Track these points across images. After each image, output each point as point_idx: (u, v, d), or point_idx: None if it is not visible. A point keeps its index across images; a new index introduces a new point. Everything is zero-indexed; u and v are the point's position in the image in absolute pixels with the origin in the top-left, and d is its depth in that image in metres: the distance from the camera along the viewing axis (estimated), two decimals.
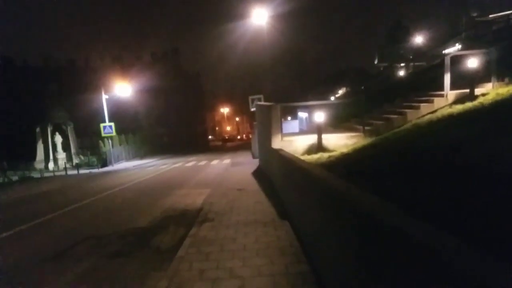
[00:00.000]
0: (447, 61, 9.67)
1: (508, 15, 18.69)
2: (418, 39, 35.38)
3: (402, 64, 38.34)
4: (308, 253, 3.97)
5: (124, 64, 47.60)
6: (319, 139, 9.84)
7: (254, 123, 19.96)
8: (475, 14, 21.75)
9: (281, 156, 7.47)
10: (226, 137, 73.22)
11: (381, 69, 44.89)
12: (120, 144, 34.55)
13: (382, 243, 1.81)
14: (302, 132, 15.35)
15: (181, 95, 52.29)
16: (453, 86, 10.23)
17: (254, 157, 20.68)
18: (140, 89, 42.08)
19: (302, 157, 9.45)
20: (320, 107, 10.56)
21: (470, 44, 16.27)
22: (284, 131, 10.82)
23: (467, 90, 9.84)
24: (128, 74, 39.50)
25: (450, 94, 9.75)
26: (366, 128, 10.22)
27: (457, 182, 3.65)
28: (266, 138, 11.40)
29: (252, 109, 19.15)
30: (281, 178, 7.49)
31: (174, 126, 50.79)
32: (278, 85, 52.98)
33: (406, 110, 10.05)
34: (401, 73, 36.80)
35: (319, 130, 9.81)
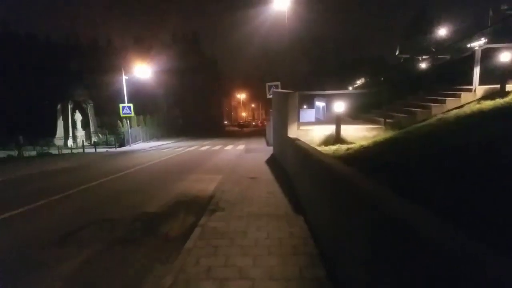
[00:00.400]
0: (478, 54, 9.02)
1: None
2: (442, 31, 33.86)
3: (425, 57, 36.92)
4: (324, 255, 3.69)
5: (145, 45, 47.55)
6: (338, 130, 9.43)
7: (270, 110, 19.57)
8: (505, 7, 20.45)
9: (297, 146, 7.15)
10: (241, 123, 73.07)
11: (402, 60, 43.35)
12: (138, 125, 34.86)
13: (424, 259, 1.50)
14: (318, 122, 14.91)
15: (199, 79, 52.14)
16: (482, 81, 9.59)
17: (268, 144, 20.39)
18: (159, 71, 42.09)
19: (319, 148, 9.10)
20: (339, 96, 10.11)
21: (499, 38, 15.33)
22: (300, 120, 10.45)
23: (497, 86, 9.19)
24: (147, 55, 39.44)
25: (479, 89, 9.13)
26: (388, 120, 9.74)
27: (499, 183, 3.27)
28: (282, 127, 11.06)
29: (269, 96, 18.76)
30: (296, 169, 7.19)
31: (190, 109, 50.87)
32: (296, 72, 51.99)
33: (431, 104, 9.49)
34: (423, 65, 35.50)
35: (338, 120, 9.39)
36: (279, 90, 12.03)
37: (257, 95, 75.32)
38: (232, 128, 67.83)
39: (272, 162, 12.54)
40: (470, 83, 9.53)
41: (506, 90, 9.06)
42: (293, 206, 6.12)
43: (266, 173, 10.06)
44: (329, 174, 3.49)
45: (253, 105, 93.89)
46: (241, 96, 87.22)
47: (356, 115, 12.54)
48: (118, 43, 47.86)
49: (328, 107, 17.14)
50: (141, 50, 44.72)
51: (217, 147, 22.54)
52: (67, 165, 16.19)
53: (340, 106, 9.33)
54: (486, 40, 24.37)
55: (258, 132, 41.16)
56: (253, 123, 74.52)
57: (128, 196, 8.08)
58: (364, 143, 8.80)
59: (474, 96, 9.19)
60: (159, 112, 44.33)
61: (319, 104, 18.59)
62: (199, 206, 6.69)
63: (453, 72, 11.96)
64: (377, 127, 9.81)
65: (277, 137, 13.20)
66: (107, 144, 30.46)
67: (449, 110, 9.34)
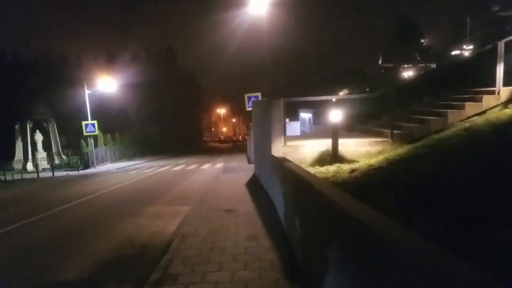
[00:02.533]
0: (501, 48, 7.31)
1: None
2: (428, 39, 33.20)
3: (410, 65, 36.12)
4: None
5: (113, 59, 44.89)
6: (335, 145, 7.42)
7: (250, 124, 17.54)
8: (496, 8, 19.49)
9: (286, 170, 5.07)
10: (222, 138, 71.10)
11: (382, 71, 42.37)
12: (105, 144, 31.98)
13: None
14: (305, 135, 12.92)
15: (176, 94, 49.80)
16: (505, 81, 7.88)
17: (249, 161, 18.25)
18: (131, 86, 39.60)
19: (312, 170, 7.05)
20: (333, 104, 8.17)
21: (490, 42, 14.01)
22: (286, 133, 8.38)
23: None
24: (116, 69, 36.84)
25: (504, 91, 7.38)
26: (395, 132, 7.82)
27: None
28: (264, 143, 8.99)
29: (249, 108, 16.73)
30: (287, 201, 5.08)
31: (167, 125, 48.26)
32: (276, 84, 50.45)
33: (446, 111, 7.66)
34: (409, 73, 34.60)
35: (334, 133, 7.39)
36: (260, 99, 10.01)
37: (238, 109, 73.50)
38: (212, 144, 65.48)
39: (253, 184, 10.40)
40: (490, 84, 7.79)
41: None
42: (286, 265, 3.97)
43: (245, 202, 7.89)
44: (350, 228, 1.41)
45: (234, 120, 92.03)
46: (221, 111, 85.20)
47: (353, 126, 10.61)
48: (83, 56, 44.74)
49: (315, 119, 15.22)
50: (108, 63, 42.01)
51: (192, 167, 20.19)
52: (4, 195, 13.45)
53: (336, 115, 7.35)
54: (472, 46, 23.45)
55: (239, 148, 38.95)
56: (234, 138, 72.59)
57: (49, 249, 5.69)
58: (371, 161, 6.81)
59: (498, 99, 7.44)
60: (132, 129, 41.52)
61: (305, 115, 16.68)
62: (143, 269, 4.42)
63: (467, 71, 10.19)
64: (383, 140, 7.87)
65: (259, 155, 11.09)
66: (69, 166, 27.48)
67: (469, 117, 7.51)
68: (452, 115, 7.62)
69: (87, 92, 24.79)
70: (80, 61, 41.02)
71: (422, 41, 34.26)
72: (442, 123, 7.66)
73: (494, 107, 7.46)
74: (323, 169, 6.98)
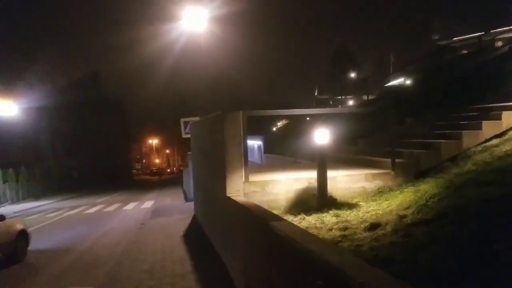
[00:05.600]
0: None
1: (479, 36, 16.68)
2: (363, 70, 34.02)
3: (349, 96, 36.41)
4: None
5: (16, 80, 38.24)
6: (322, 181, 4.94)
7: (188, 153, 14.53)
8: (436, 37, 19.82)
9: (276, 238, 2.39)
10: (154, 170, 65.57)
11: (314, 103, 42.11)
12: (4, 182, 25.84)
13: None
14: (260, 167, 10.36)
15: (100, 123, 44.47)
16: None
17: (187, 199, 14.97)
18: (45, 112, 34.01)
19: (296, 221, 4.45)
20: (319, 120, 5.81)
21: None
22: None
23: None
24: (19, 92, 31.04)
25: None
26: (397, 160, 5.63)
27: None
28: (212, 177, 6.23)
29: (185, 135, 13.70)
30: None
31: (88, 158, 42.33)
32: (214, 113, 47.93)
33: (460, 132, 5.76)
34: (350, 103, 34.80)
35: (321, 163, 4.93)
36: (206, 116, 7.22)
37: (172, 138, 69.10)
38: (143, 177, 59.61)
39: (195, 237, 7.44)
40: (506, 97, 6.13)
41: None
42: None
43: (183, 274, 4.92)
44: None
45: (167, 151, 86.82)
46: (154, 141, 79.61)
47: (340, 149, 8.03)
48: None
49: (266, 147, 12.83)
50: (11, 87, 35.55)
51: (112, 207, 16.17)
52: None
53: (323, 136, 4.95)
54: (403, 79, 23.64)
55: (173, 181, 34.87)
56: (168, 170, 67.51)
57: None
58: (384, 205, 4.45)
59: None
60: (44, 163, 35.17)
61: (253, 143, 14.24)
62: None
63: (477, 81, 8.43)
64: (382, 172, 5.62)
65: (203, 194, 8.17)
66: None
67: (487, 140, 5.67)
68: (468, 137, 5.72)
69: None
70: None
71: (354, 74, 34.88)
72: (456, 147, 5.71)
73: None
74: (313, 219, 4.41)
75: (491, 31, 14.19)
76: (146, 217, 11.28)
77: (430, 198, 3.98)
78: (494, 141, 5.58)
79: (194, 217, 9.70)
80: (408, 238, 3.16)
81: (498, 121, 5.80)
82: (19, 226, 7.29)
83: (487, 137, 5.73)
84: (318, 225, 4.14)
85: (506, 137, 5.52)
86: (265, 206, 4.75)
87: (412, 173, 5.59)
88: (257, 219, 3.26)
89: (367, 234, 3.56)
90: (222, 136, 5.08)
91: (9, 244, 6.62)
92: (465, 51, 17.08)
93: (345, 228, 3.81)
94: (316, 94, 43.50)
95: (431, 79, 11.84)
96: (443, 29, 21.71)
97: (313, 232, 3.89)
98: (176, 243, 6.92)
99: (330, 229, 3.92)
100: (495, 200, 3.23)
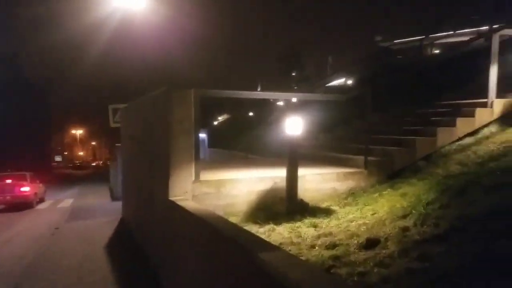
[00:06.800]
0: (495, 44, 5.50)
1: (420, 39, 17.26)
2: (306, 70, 34.27)
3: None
4: None
5: None
6: (292, 182, 4.02)
7: (117, 144, 12.60)
8: (379, 39, 20.21)
9: (240, 261, 1.33)
10: (78, 164, 59.63)
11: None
12: None
13: None
14: (205, 163, 9.13)
15: (14, 109, 38.62)
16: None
17: (113, 197, 13.09)
18: None
19: (264, 234, 3.45)
20: (289, 109, 4.86)
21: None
22: None
23: None
24: None
25: (497, 103, 5.54)
26: (370, 158, 4.95)
27: None
28: (151, 173, 4.93)
29: (114, 124, 11.79)
30: None
31: None
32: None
33: (435, 128, 5.26)
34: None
35: (292, 160, 4.01)
36: (146, 95, 5.78)
37: (99, 130, 63.38)
38: (64, 171, 53.59)
39: (122, 247, 6.04)
40: (479, 94, 5.77)
41: None
42: None
43: None
44: None
45: (93, 143, 79.79)
46: (78, 132, 72.23)
47: (304, 141, 7.13)
48: None
49: (211, 141, 11.59)
50: None
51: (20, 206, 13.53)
52: None
53: (295, 125, 4.02)
54: (345, 79, 24.17)
55: (99, 176, 31.50)
56: (93, 164, 61.87)
57: None
58: (367, 215, 3.67)
59: (491, 114, 5.52)
60: None
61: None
62: None
63: (451, 74, 7.93)
64: (353, 171, 4.89)
65: (136, 193, 6.71)
66: None
67: (460, 138, 5.29)
68: (442, 135, 5.26)
69: None
70: None
71: (296, 73, 35.12)
72: (430, 145, 5.21)
73: (487, 124, 5.44)
74: (285, 231, 3.44)
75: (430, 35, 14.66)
76: (62, 220, 9.37)
77: (428, 204, 3.28)
78: (469, 140, 5.22)
79: (121, 221, 8.17)
80: (429, 263, 2.35)
81: (472, 118, 5.44)
82: None
83: (460, 135, 5.34)
84: (294, 240, 3.18)
85: (480, 135, 5.19)
86: (221, 212, 3.70)
87: (386, 173, 4.96)
88: (235, 247, 2.19)
89: (365, 254, 2.69)
90: (167, 121, 3.86)
91: None
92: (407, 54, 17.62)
93: (333, 246, 2.90)
94: (259, 90, 43.11)
95: (379, 79, 11.73)
96: (386, 31, 22.44)
97: (290, 250, 2.92)
98: (99, 256, 5.47)
99: (312, 246, 2.99)
100: None
